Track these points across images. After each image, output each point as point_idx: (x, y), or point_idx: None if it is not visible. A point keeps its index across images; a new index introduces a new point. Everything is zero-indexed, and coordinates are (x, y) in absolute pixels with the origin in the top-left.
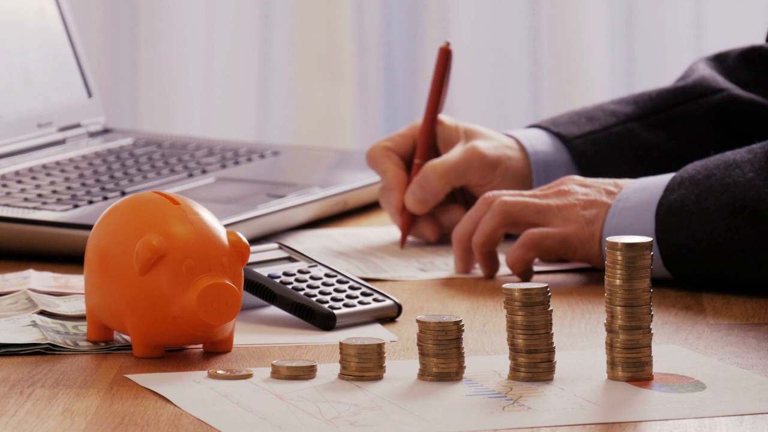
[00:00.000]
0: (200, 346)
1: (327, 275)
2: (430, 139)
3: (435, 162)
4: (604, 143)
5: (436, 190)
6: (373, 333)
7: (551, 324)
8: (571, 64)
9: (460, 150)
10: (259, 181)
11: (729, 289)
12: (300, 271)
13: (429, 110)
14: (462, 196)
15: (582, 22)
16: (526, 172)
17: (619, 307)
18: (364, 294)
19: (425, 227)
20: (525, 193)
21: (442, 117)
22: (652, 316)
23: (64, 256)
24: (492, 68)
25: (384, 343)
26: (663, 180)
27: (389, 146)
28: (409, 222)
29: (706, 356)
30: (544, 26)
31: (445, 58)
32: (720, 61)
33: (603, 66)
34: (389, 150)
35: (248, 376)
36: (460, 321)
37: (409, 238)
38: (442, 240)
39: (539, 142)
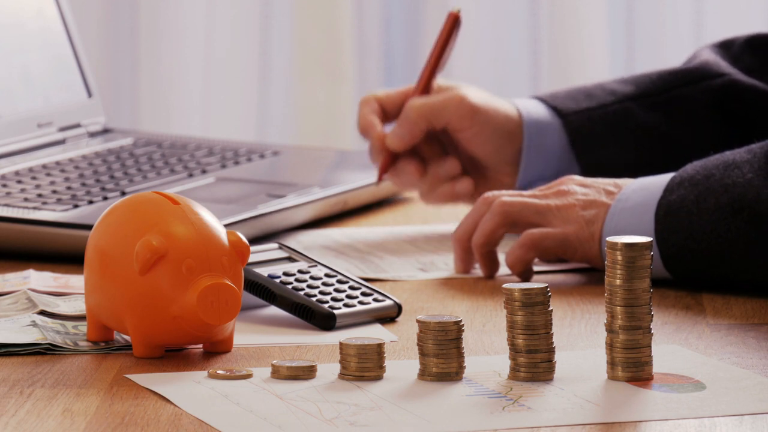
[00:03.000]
0: (200, 346)
1: (327, 275)
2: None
3: (414, 98)
4: (600, 120)
5: (412, 125)
6: (373, 333)
7: (551, 324)
8: (571, 64)
9: (443, 93)
10: (259, 181)
11: (729, 289)
12: (300, 271)
13: (426, 73)
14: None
15: (582, 22)
16: (512, 128)
17: (619, 307)
18: (364, 294)
19: (407, 164)
20: (524, 193)
21: (439, 80)
22: (652, 316)
23: (64, 256)
24: (492, 68)
25: (384, 343)
26: (662, 180)
27: (377, 96)
28: (388, 160)
29: (706, 356)
30: (544, 26)
31: (452, 24)
32: (726, 47)
33: (603, 65)
34: (374, 99)
35: (248, 376)
36: (460, 321)
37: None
38: (442, 240)
39: (535, 109)
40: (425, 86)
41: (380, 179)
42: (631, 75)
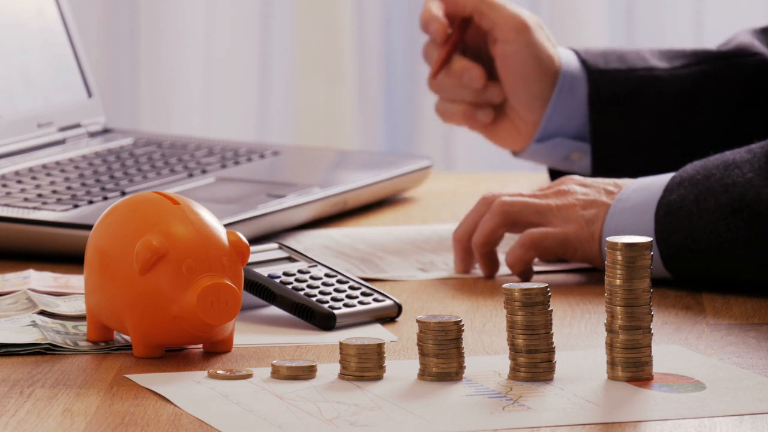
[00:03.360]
0: (200, 346)
1: (327, 275)
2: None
3: None
4: (623, 82)
5: (457, 1)
6: (373, 333)
7: (551, 324)
8: None
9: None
10: (259, 181)
11: (729, 289)
12: (300, 271)
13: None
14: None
15: (582, 22)
16: (549, 68)
17: (619, 307)
18: (364, 294)
19: (472, 69)
20: (525, 193)
21: None
22: (652, 316)
23: (64, 256)
24: None
25: (384, 343)
26: (662, 180)
27: None
28: (446, 55)
29: (706, 356)
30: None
31: None
32: (766, 32)
33: None
34: None
35: (248, 376)
36: (460, 321)
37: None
38: (442, 240)
39: (570, 60)
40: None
41: (436, 74)
42: (668, 48)
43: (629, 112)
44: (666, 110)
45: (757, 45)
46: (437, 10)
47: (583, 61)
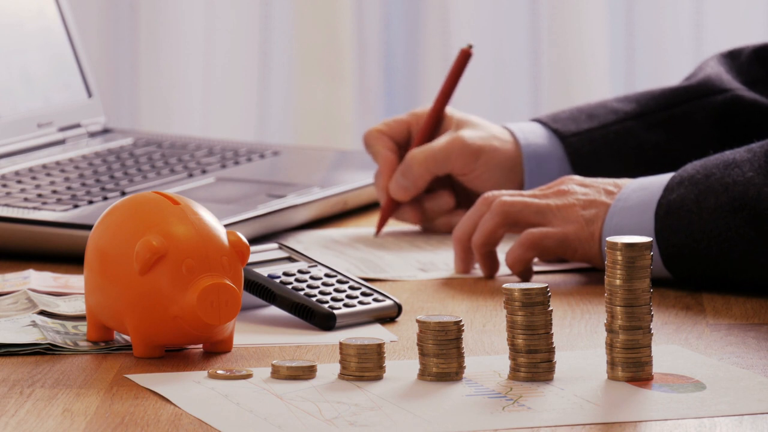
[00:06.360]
0: (200, 346)
1: (327, 275)
2: (430, 133)
3: (416, 150)
4: (600, 141)
5: (416, 178)
6: (373, 333)
7: (551, 324)
8: (571, 64)
9: (444, 138)
10: (259, 181)
11: (729, 289)
12: (300, 271)
13: (436, 107)
14: (451, 185)
15: (582, 22)
16: (513, 164)
17: (619, 307)
18: (364, 294)
19: (407, 212)
20: (525, 193)
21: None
22: (652, 316)
23: (64, 256)
24: (492, 68)
25: (384, 343)
26: (662, 180)
27: (384, 130)
28: (389, 209)
29: (706, 356)
30: (544, 26)
31: (464, 60)
32: (733, 57)
33: (603, 66)
34: (383, 134)
35: (248, 376)
36: (460, 321)
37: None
38: (442, 240)
39: (534, 135)
40: (434, 121)
41: (379, 231)
42: (634, 92)
43: (609, 167)
44: (644, 160)
45: (725, 79)
46: (391, 154)
47: (555, 131)
